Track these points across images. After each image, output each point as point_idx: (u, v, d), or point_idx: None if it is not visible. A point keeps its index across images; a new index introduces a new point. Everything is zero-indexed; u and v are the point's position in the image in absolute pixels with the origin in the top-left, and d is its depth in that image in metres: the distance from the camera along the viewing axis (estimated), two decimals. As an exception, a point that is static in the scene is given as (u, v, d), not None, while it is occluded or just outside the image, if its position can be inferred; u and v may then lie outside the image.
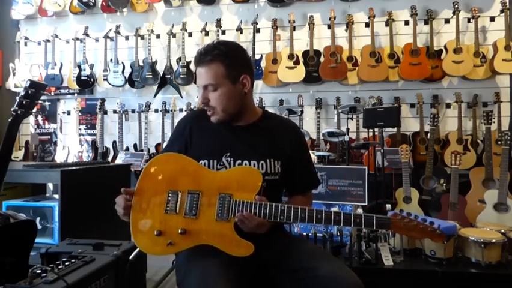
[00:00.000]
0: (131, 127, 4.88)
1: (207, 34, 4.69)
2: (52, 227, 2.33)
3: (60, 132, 5.14)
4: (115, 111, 4.83)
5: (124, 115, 4.76)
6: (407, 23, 4.31)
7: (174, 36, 4.71)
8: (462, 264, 1.98)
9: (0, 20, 5.12)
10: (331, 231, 2.17)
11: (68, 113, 5.09)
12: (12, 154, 1.53)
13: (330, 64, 4.20)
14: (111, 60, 4.77)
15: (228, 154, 1.39)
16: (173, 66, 4.64)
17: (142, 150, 4.55)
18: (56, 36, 4.90)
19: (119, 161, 4.22)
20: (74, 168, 2.44)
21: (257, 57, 4.42)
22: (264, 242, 1.28)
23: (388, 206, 2.71)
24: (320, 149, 4.10)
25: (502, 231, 2.08)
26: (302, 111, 4.13)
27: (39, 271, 1.31)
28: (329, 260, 1.28)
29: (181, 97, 4.74)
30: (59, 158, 4.84)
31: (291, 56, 4.30)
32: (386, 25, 4.26)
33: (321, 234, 2.11)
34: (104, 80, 4.79)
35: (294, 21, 4.38)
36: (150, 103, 4.71)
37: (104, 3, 4.84)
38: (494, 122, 3.49)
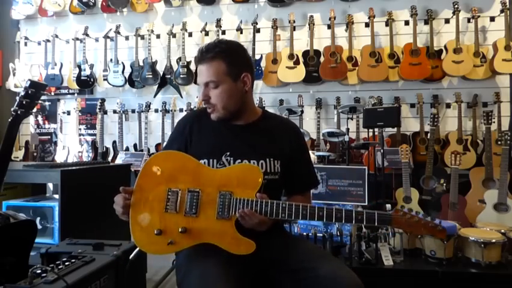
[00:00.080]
0: (131, 127, 4.88)
1: (207, 34, 4.69)
2: (52, 227, 2.33)
3: (61, 132, 5.14)
4: (115, 111, 4.84)
5: (124, 115, 4.76)
6: (407, 23, 4.31)
7: (174, 36, 4.71)
8: (462, 264, 1.98)
9: (0, 20, 5.12)
10: (331, 231, 2.17)
11: (68, 113, 5.09)
12: (12, 154, 1.53)
13: (330, 64, 4.20)
14: (111, 60, 4.78)
15: (228, 153, 1.39)
16: (173, 66, 4.64)
17: (142, 150, 4.55)
18: (56, 36, 4.90)
19: (119, 161, 4.21)
20: (74, 168, 2.44)
21: (257, 57, 4.42)
22: (264, 242, 1.28)
23: (388, 206, 2.69)
24: (320, 149, 4.10)
25: (502, 231, 2.08)
26: (302, 111, 4.13)
27: (39, 271, 1.31)
28: (329, 260, 1.28)
29: (181, 97, 4.74)
30: (59, 158, 4.84)
31: (291, 56, 4.30)
32: (386, 25, 4.26)
33: (321, 234, 2.10)
34: (104, 80, 4.80)
35: (294, 21, 4.38)
36: (150, 103, 4.71)
37: (104, 3, 4.85)
38: (494, 122, 3.49)
